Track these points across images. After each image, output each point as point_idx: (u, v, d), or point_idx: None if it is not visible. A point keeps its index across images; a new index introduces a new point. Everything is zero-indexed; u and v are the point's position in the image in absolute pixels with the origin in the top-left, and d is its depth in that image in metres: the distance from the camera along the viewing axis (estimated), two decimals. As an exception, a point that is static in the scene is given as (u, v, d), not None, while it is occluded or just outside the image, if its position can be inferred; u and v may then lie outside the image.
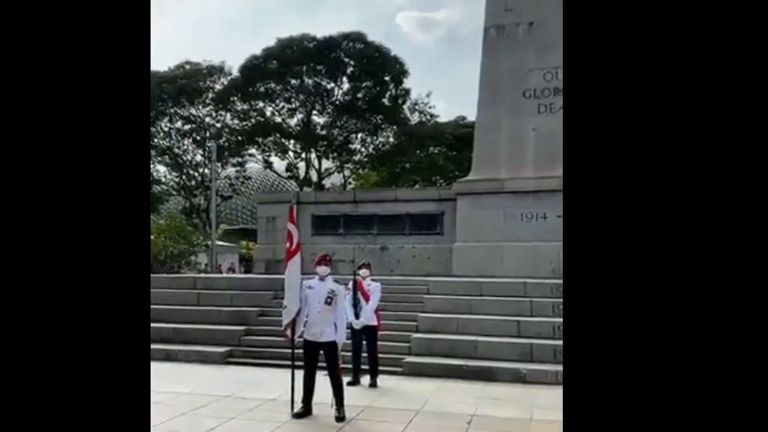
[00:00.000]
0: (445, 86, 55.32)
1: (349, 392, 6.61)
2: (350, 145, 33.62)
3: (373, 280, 8.19)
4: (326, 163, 34.11)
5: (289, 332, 6.38)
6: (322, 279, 6.43)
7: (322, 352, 6.33)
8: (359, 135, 33.79)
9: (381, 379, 8.03)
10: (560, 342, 9.03)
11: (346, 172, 34.68)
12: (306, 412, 6.27)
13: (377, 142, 33.97)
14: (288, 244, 6.54)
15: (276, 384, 7.51)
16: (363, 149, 34.10)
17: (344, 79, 32.25)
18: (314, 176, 33.26)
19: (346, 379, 6.94)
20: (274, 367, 8.64)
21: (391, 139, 33.78)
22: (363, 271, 8.11)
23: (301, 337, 6.44)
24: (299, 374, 6.34)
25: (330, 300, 6.27)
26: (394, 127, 33.05)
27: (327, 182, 34.09)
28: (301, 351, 6.39)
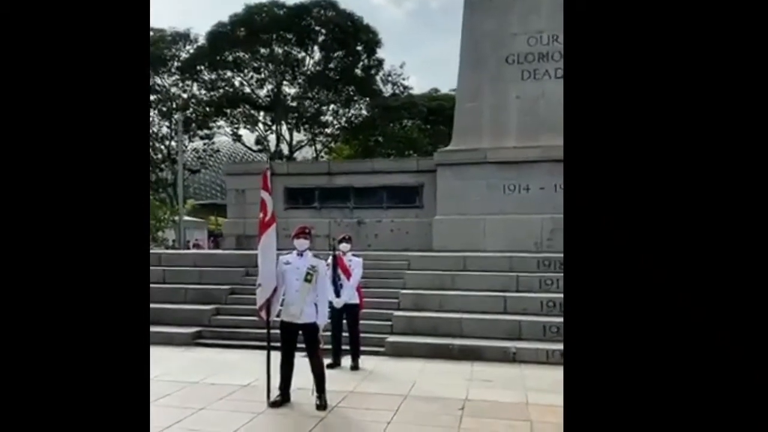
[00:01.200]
0: (416, 60, 54.24)
1: (329, 376, 6.03)
2: (322, 117, 32.68)
3: (354, 255, 7.60)
4: (297, 136, 33.17)
5: (264, 313, 5.76)
6: (300, 254, 5.80)
7: (300, 333, 5.74)
8: (331, 106, 32.85)
9: (362, 361, 7.50)
10: (549, 318, 8.63)
11: (318, 145, 33.83)
12: (284, 400, 5.69)
13: (350, 114, 33.10)
14: (262, 215, 5.88)
15: (250, 368, 6.92)
16: (335, 121, 33.21)
17: (315, 48, 31.18)
18: (285, 149, 32.31)
19: (326, 362, 6.37)
20: (247, 349, 8.04)
21: (364, 112, 32.94)
22: (343, 246, 7.50)
23: (278, 317, 5.83)
24: (275, 358, 5.74)
25: (310, 277, 5.65)
26: (367, 99, 32.19)
27: (298, 155, 33.18)
28: (278, 332, 5.78)
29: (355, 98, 32.42)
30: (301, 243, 5.81)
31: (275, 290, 5.74)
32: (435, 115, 31.70)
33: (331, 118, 33.02)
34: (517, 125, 12.89)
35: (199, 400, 5.82)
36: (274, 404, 5.61)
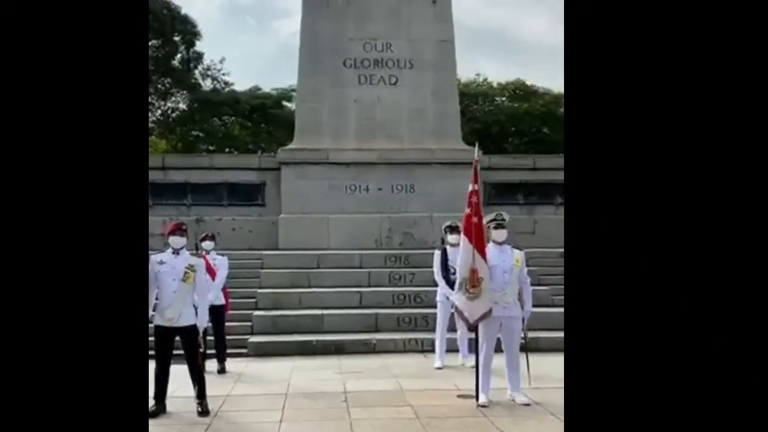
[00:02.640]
0: (234, 56, 52.47)
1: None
2: (134, 109, 30.23)
3: (218, 254, 7.34)
4: (106, 128, 30.26)
5: None
6: (176, 252, 5.50)
7: (177, 338, 5.45)
8: (144, 98, 30.55)
9: (227, 363, 7.29)
10: (401, 310, 9.16)
11: (130, 139, 31.25)
12: (160, 410, 5.35)
13: (166, 107, 31.11)
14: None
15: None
16: (150, 115, 30.93)
17: (127, 34, 28.76)
18: (91, 142, 29.28)
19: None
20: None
21: (182, 105, 31.20)
22: (206, 244, 7.21)
23: (150, 322, 5.45)
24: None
25: (188, 276, 5.39)
26: (185, 92, 30.54)
27: (108, 149, 30.33)
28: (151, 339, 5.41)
29: (172, 91, 30.55)
30: (177, 241, 5.52)
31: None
32: (257, 112, 31.18)
33: (144, 111, 30.68)
34: (355, 128, 13.37)
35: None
36: (152, 415, 5.24)
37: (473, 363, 7.17)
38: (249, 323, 8.63)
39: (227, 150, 30.58)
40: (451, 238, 7.49)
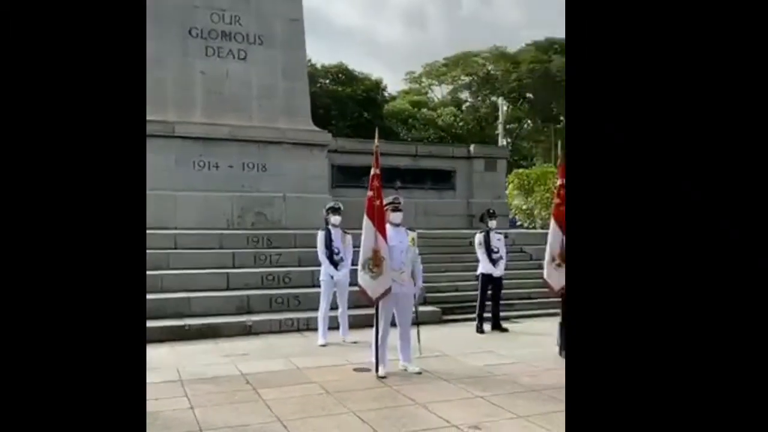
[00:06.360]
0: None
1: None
2: None
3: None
4: None
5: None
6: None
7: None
8: None
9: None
10: (272, 291, 9.15)
11: None
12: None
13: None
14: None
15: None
16: None
17: None
18: None
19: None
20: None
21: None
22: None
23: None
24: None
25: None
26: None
27: None
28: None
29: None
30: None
31: None
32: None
33: None
34: (202, 101, 12.75)
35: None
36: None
37: (353, 339, 7.62)
38: (110, 310, 7.95)
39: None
40: (333, 219, 7.71)
